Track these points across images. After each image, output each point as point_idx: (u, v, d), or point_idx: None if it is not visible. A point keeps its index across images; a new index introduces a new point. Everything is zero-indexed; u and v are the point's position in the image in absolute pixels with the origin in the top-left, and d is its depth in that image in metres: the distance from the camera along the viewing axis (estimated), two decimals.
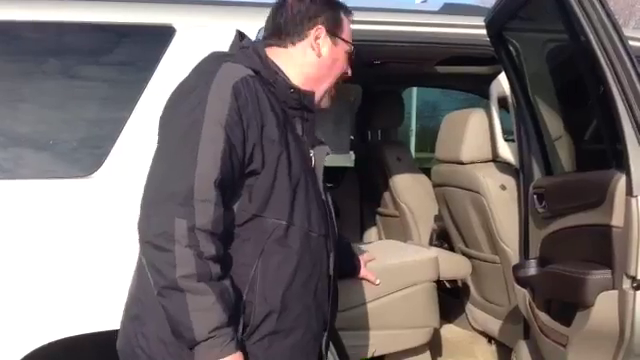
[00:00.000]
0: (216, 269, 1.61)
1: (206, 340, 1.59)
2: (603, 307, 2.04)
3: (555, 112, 2.76)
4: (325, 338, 1.88)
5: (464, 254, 3.56)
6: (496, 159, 3.22)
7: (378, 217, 4.50)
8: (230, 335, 1.61)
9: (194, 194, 1.60)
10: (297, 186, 1.75)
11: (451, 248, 3.74)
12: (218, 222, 1.62)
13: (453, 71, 3.87)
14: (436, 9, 3.11)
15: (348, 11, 1.96)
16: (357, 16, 2.78)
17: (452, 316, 3.76)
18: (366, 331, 2.95)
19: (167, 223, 1.58)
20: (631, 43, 2.60)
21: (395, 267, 3.14)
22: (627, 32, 2.41)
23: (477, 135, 3.25)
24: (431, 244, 3.94)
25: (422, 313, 3.12)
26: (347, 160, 5.09)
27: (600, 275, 2.05)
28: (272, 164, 1.70)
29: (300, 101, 1.83)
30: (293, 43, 1.87)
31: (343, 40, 1.91)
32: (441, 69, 3.87)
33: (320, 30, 1.87)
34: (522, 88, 2.73)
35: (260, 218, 1.71)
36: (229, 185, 1.66)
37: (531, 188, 2.67)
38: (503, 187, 3.17)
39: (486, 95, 3.34)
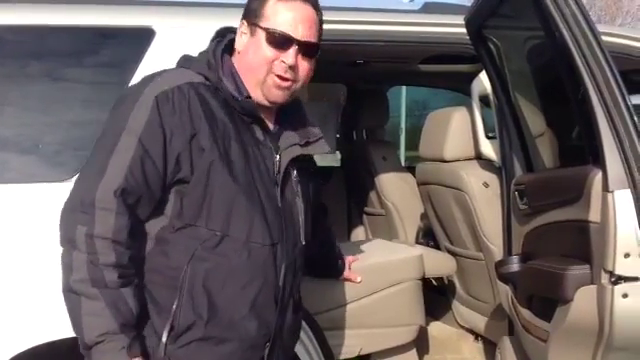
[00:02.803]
0: (112, 276, 1.63)
1: (96, 345, 1.62)
2: (582, 302, 2.06)
3: (536, 109, 2.77)
4: (268, 350, 1.82)
5: (449, 252, 3.57)
6: (479, 157, 3.24)
7: (365, 216, 4.51)
8: (122, 342, 1.63)
9: (95, 202, 1.63)
10: (237, 195, 1.71)
11: (437, 246, 3.75)
12: (120, 230, 1.63)
13: (436, 69, 3.88)
14: (417, 8, 3.12)
15: None
16: (339, 16, 2.83)
17: (438, 313, 3.77)
18: (352, 330, 2.96)
19: (71, 230, 1.64)
20: (611, 39, 2.67)
21: (380, 266, 3.14)
22: (603, 28, 2.43)
23: (460, 133, 3.26)
24: (417, 242, 3.96)
25: (408, 311, 3.13)
26: (333, 160, 5.10)
27: (579, 270, 2.07)
28: (203, 173, 1.69)
29: (242, 108, 1.79)
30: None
31: (260, 27, 1.78)
32: (424, 67, 3.88)
33: (242, 24, 1.83)
34: (502, 86, 2.74)
35: (193, 227, 1.71)
36: (145, 194, 1.67)
37: (512, 185, 2.68)
38: (486, 184, 3.18)
39: (468, 93, 3.36)
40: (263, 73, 1.77)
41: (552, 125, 2.72)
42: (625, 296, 1.96)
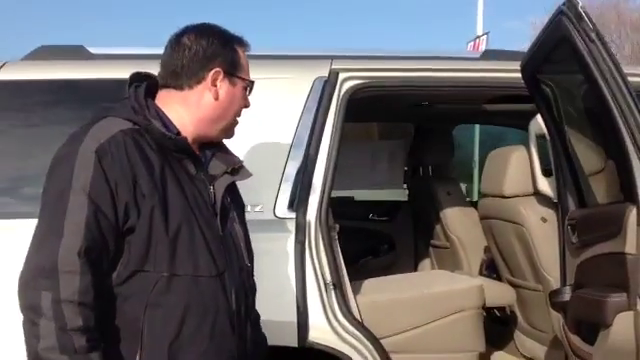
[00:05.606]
0: (81, 341, 1.60)
1: None
2: (620, 327, 2.22)
3: (589, 148, 2.93)
4: None
5: (510, 283, 3.72)
6: (537, 193, 3.41)
7: (431, 249, 4.69)
8: None
9: (58, 266, 1.61)
10: (178, 233, 1.72)
11: (499, 278, 3.90)
12: (85, 291, 1.62)
13: (497, 109, 4.06)
14: (477, 56, 3.35)
15: (243, 44, 1.92)
16: (408, 64, 3.09)
17: (501, 343, 3.90)
18: (416, 354, 3.15)
19: (35, 297, 1.60)
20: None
21: (443, 294, 3.34)
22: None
23: (518, 170, 3.44)
24: (481, 274, 4.11)
25: (469, 337, 3.30)
26: (401, 194, 5.32)
27: (617, 298, 2.23)
28: (146, 218, 1.68)
29: (176, 145, 1.78)
30: (190, 86, 1.84)
31: (240, 78, 1.88)
32: (487, 107, 4.07)
33: (218, 73, 1.84)
34: (556, 126, 2.91)
35: (141, 273, 1.69)
36: (104, 250, 1.66)
37: (566, 220, 2.85)
38: (544, 219, 3.34)
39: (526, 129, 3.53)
40: (232, 119, 1.91)
41: (604, 163, 2.87)
42: None
